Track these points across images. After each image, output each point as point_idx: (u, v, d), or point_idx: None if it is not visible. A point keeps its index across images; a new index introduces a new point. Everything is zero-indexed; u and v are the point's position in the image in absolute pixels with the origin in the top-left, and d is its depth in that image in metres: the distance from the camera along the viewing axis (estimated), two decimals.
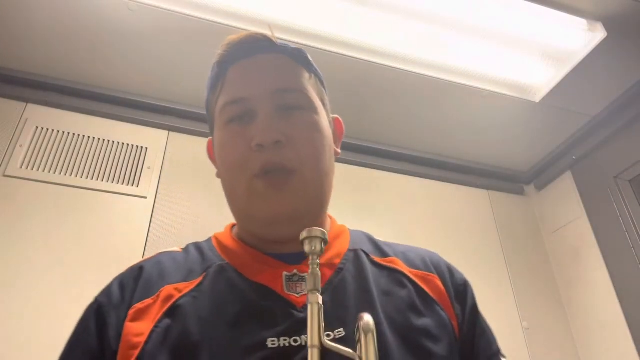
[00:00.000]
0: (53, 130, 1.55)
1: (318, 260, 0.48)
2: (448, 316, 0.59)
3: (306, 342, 0.47)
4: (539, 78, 1.65)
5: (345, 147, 1.23)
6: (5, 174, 1.43)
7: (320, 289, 0.46)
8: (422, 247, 0.71)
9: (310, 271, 0.47)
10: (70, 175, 1.49)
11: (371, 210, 1.77)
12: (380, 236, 0.72)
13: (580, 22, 1.43)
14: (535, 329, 1.72)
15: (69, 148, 1.54)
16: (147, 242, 1.45)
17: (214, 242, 0.66)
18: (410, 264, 0.64)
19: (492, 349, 0.62)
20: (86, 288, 1.32)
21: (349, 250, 0.64)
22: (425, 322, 0.57)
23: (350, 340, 0.49)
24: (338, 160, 0.70)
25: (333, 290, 0.57)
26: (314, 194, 0.62)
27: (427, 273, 0.63)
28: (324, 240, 0.48)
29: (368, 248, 0.66)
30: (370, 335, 0.43)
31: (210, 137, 0.71)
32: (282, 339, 0.51)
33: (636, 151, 1.67)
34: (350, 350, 0.45)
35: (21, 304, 1.26)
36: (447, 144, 1.94)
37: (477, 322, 0.63)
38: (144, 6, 1.38)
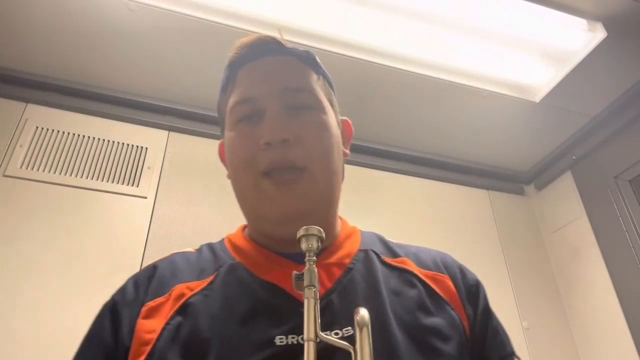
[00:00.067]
0: (53, 130, 1.55)
1: (315, 258, 0.49)
2: (458, 316, 0.59)
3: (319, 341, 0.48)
4: (539, 78, 1.65)
5: None
6: (5, 174, 1.43)
7: (316, 285, 0.47)
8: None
9: (306, 268, 0.48)
10: (70, 175, 1.49)
11: (371, 210, 1.77)
12: None
13: (580, 22, 1.43)
14: (535, 329, 1.72)
15: (69, 148, 1.54)
16: (147, 242, 1.45)
17: (226, 243, 0.67)
18: (421, 264, 0.65)
19: (506, 350, 0.62)
20: (86, 288, 1.32)
21: (360, 250, 0.64)
22: (435, 321, 0.57)
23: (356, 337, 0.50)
24: None
25: (342, 290, 0.57)
26: (323, 193, 0.62)
27: (437, 273, 0.64)
28: (320, 238, 0.49)
29: (379, 249, 0.66)
30: (365, 330, 0.44)
31: (222, 140, 0.71)
32: (290, 336, 0.52)
33: (636, 151, 1.67)
34: (346, 343, 0.46)
35: (21, 303, 1.26)
36: (447, 144, 1.94)
37: (489, 322, 0.63)
38: (144, 6, 1.38)
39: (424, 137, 1.90)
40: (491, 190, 2.04)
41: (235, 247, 0.65)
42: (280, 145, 0.59)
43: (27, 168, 1.46)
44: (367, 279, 0.60)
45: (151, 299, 0.57)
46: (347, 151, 0.72)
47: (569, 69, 1.56)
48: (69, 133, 1.57)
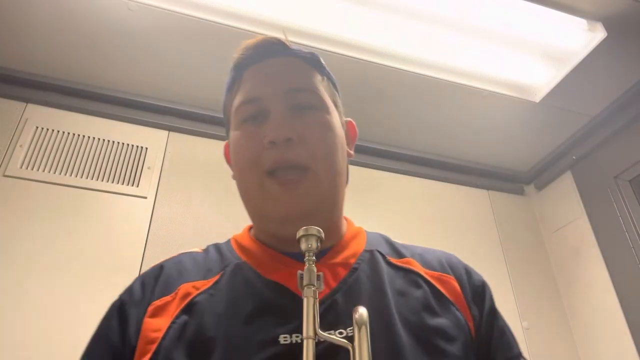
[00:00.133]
0: (53, 130, 1.55)
1: (314, 257, 0.49)
2: (464, 316, 0.60)
3: (318, 339, 0.48)
4: (539, 78, 1.65)
5: None
6: (5, 174, 1.43)
7: (315, 284, 0.47)
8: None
9: (306, 267, 0.48)
10: (70, 175, 1.49)
11: (371, 210, 1.77)
12: None
13: (580, 22, 1.43)
14: (535, 329, 1.72)
15: (69, 148, 1.54)
16: (147, 242, 1.45)
17: (232, 243, 0.68)
18: (427, 265, 0.65)
19: (513, 351, 0.62)
20: (86, 287, 1.32)
21: (365, 250, 0.64)
22: (440, 322, 0.57)
23: None
24: None
25: (347, 290, 0.57)
26: (326, 193, 0.63)
27: (443, 274, 0.64)
28: (320, 239, 0.49)
29: (384, 249, 0.66)
30: (363, 328, 0.45)
31: (227, 141, 0.72)
32: (294, 335, 0.52)
33: (636, 151, 1.67)
34: (344, 340, 0.46)
35: (21, 303, 1.26)
36: (447, 144, 1.94)
37: (495, 323, 0.63)
38: (144, 6, 1.38)
39: (424, 137, 1.90)
40: (491, 190, 2.04)
41: (241, 247, 0.65)
42: (284, 144, 0.60)
43: (27, 168, 1.46)
44: (372, 279, 0.60)
45: (157, 298, 0.58)
46: (352, 152, 0.72)
47: (569, 69, 1.56)
48: (69, 133, 1.57)
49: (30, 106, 1.57)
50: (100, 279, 1.34)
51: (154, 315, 0.56)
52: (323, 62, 0.71)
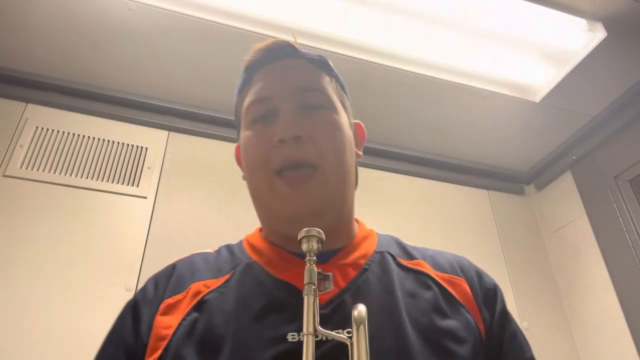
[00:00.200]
0: (53, 130, 1.55)
1: (315, 258, 0.50)
2: (474, 319, 0.60)
3: (325, 338, 0.50)
4: (539, 78, 1.65)
5: None
6: (5, 174, 1.43)
7: (315, 283, 0.48)
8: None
9: (307, 267, 0.49)
10: (70, 175, 1.49)
11: (371, 210, 1.77)
12: None
13: (580, 22, 1.43)
14: (535, 329, 1.72)
15: (69, 148, 1.54)
16: (147, 242, 1.45)
17: (244, 243, 0.69)
18: (438, 267, 0.65)
19: (525, 355, 0.62)
20: (86, 287, 1.32)
21: (375, 252, 0.65)
22: (449, 323, 0.57)
23: (370, 339, 0.51)
24: None
25: (356, 290, 0.58)
26: (335, 192, 0.63)
27: (453, 276, 0.64)
28: (321, 240, 0.50)
29: (395, 251, 0.67)
30: (362, 327, 0.45)
31: (238, 143, 0.73)
32: (301, 333, 0.52)
33: (636, 151, 1.67)
34: (343, 336, 0.47)
35: (20, 303, 1.26)
36: (447, 144, 1.94)
37: (507, 326, 0.63)
38: (144, 6, 1.38)
39: (424, 137, 1.90)
40: (491, 190, 2.04)
41: (253, 247, 0.66)
42: (293, 142, 0.61)
43: (27, 168, 1.46)
44: (382, 280, 0.60)
45: (169, 297, 0.59)
46: (360, 152, 0.73)
47: (569, 69, 1.56)
48: (69, 133, 1.57)
49: (30, 106, 1.57)
50: (100, 278, 1.34)
51: (165, 313, 0.58)
52: (332, 65, 0.72)
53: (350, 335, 0.53)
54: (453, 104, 1.73)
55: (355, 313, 0.46)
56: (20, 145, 1.48)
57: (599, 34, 1.43)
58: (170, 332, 0.55)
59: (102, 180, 1.52)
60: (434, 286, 0.61)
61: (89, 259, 1.37)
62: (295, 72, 0.68)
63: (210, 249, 0.70)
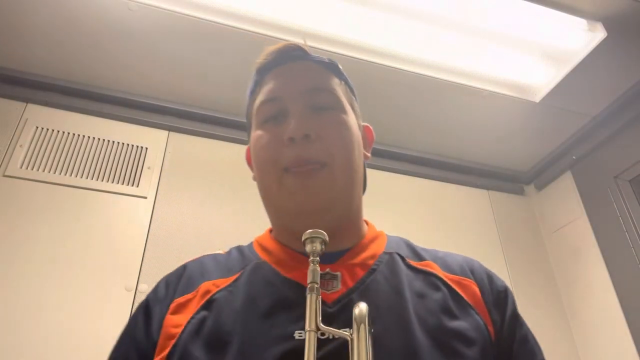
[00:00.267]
0: (53, 130, 1.56)
1: (318, 258, 0.51)
2: (483, 321, 0.60)
3: (332, 336, 0.50)
4: (539, 78, 1.65)
5: None
6: (5, 174, 1.43)
7: (318, 282, 0.49)
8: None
9: (310, 268, 0.50)
10: (70, 175, 1.49)
11: (371, 210, 1.76)
12: None
13: (580, 22, 1.43)
14: (535, 329, 1.71)
15: (69, 148, 1.54)
16: (147, 242, 1.45)
17: (254, 244, 0.71)
18: (447, 268, 0.65)
19: (536, 358, 0.63)
20: (86, 287, 1.32)
21: (384, 252, 0.66)
22: (458, 324, 0.57)
23: (377, 338, 0.51)
24: None
25: (364, 290, 0.58)
26: (342, 190, 0.65)
27: (463, 278, 0.64)
28: (324, 241, 0.51)
29: (404, 252, 0.67)
30: (362, 326, 0.46)
31: (248, 145, 0.75)
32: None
33: (636, 151, 1.67)
34: (344, 332, 0.48)
35: (20, 303, 1.26)
36: (447, 144, 1.94)
37: (518, 328, 0.64)
38: (144, 6, 1.38)
39: (424, 137, 1.90)
40: (491, 190, 2.04)
41: (262, 247, 0.68)
42: (302, 141, 0.62)
43: (27, 168, 1.46)
44: (391, 281, 0.61)
45: (180, 296, 0.61)
46: (368, 154, 0.75)
47: (569, 69, 1.56)
48: (69, 133, 1.57)
49: (30, 106, 1.57)
50: (100, 278, 1.34)
51: (175, 312, 0.59)
52: (341, 68, 0.74)
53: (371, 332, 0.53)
54: (453, 104, 1.73)
55: (356, 311, 0.47)
56: (20, 145, 1.49)
57: (599, 34, 1.43)
58: (179, 330, 0.56)
59: (102, 180, 1.52)
60: (443, 287, 0.62)
61: (89, 259, 1.37)
62: (306, 73, 0.70)
63: (221, 250, 0.71)
